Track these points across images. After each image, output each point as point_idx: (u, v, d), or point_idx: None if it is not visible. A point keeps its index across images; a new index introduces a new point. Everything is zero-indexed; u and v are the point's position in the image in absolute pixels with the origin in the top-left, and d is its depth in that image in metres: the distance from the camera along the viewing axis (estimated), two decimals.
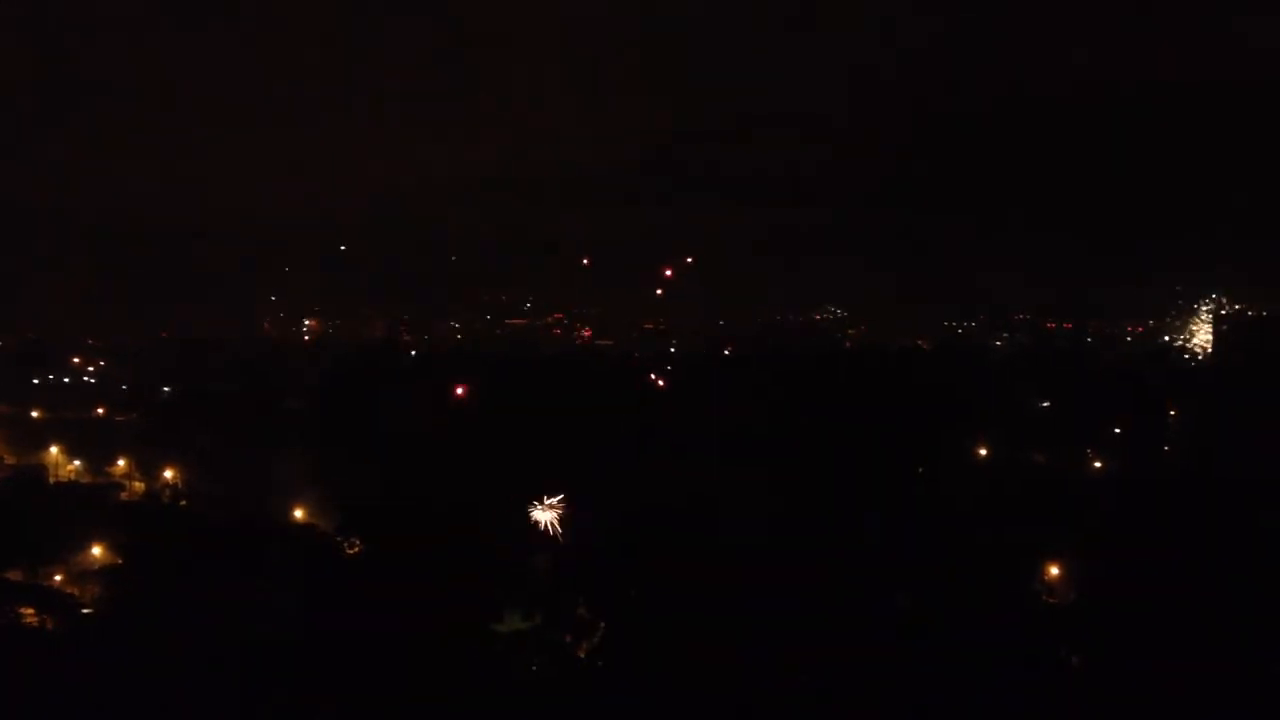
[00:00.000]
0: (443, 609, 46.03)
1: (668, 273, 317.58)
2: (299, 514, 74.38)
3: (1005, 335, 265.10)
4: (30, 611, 50.82)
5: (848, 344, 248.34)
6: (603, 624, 50.86)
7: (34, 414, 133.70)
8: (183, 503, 78.51)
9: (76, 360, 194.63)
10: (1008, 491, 76.81)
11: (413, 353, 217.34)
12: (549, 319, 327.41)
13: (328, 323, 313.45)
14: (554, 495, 68.18)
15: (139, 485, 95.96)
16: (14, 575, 56.34)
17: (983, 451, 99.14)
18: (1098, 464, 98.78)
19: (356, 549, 55.13)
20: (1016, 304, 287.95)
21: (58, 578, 61.69)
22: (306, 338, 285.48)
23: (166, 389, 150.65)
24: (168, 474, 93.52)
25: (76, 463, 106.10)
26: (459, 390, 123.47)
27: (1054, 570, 60.14)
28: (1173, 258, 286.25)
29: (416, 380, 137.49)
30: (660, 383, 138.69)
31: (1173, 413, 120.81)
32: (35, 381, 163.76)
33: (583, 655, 49.12)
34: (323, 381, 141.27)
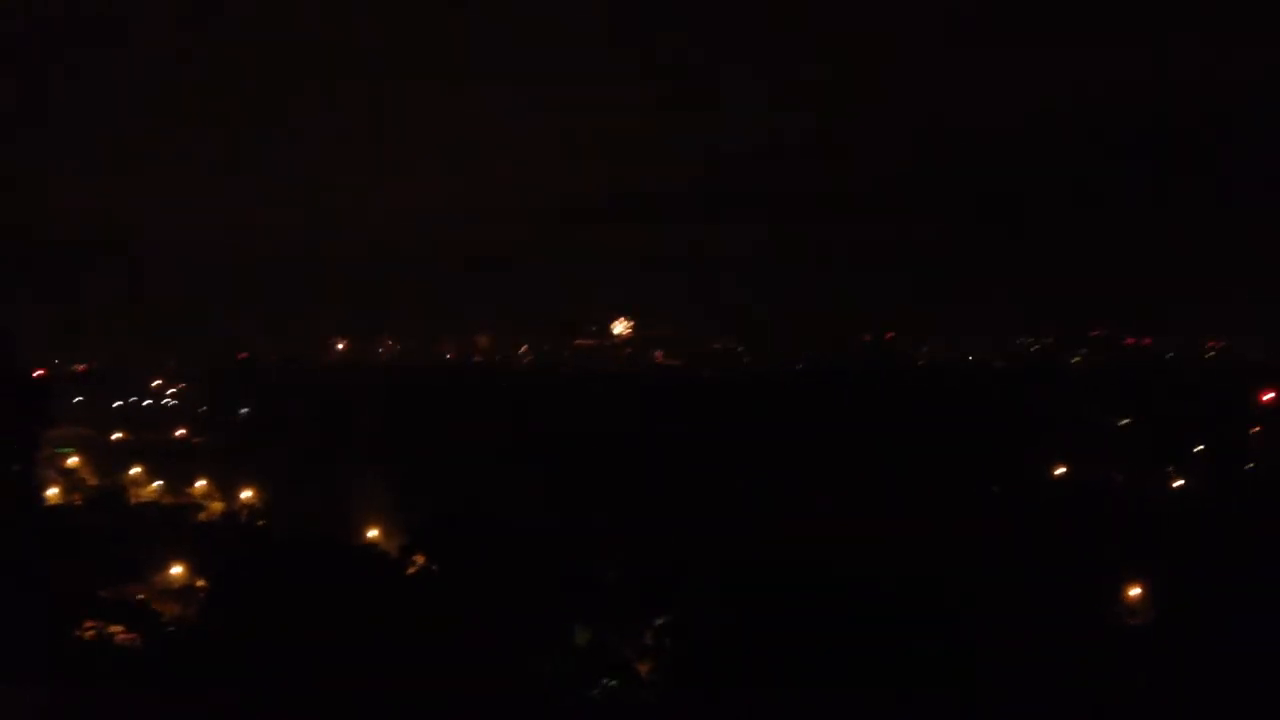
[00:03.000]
0: (511, 625, 46.23)
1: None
2: (373, 533, 75.18)
3: (1082, 352, 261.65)
4: (120, 629, 51.72)
5: (920, 362, 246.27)
6: (670, 643, 50.73)
7: (115, 436, 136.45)
8: (260, 523, 79.62)
9: (157, 383, 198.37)
10: (1085, 510, 75.78)
11: (483, 373, 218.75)
12: (619, 339, 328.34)
13: (400, 344, 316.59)
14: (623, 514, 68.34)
15: (217, 505, 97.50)
16: (100, 593, 57.34)
17: (1059, 470, 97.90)
18: (1178, 482, 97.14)
19: (426, 567, 55.50)
20: (1093, 320, 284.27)
21: (140, 596, 62.80)
22: (379, 359, 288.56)
23: (244, 410, 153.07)
24: (245, 494, 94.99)
25: (157, 483, 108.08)
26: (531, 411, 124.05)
27: (1134, 591, 59.23)
28: (1253, 270, 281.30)
29: (489, 400, 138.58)
30: (730, 400, 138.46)
31: (1256, 429, 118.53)
32: (116, 404, 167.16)
33: (648, 674, 49.04)
34: (396, 402, 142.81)
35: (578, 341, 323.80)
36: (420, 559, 56.40)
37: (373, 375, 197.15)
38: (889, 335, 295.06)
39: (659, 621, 51.78)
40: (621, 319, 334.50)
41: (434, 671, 42.36)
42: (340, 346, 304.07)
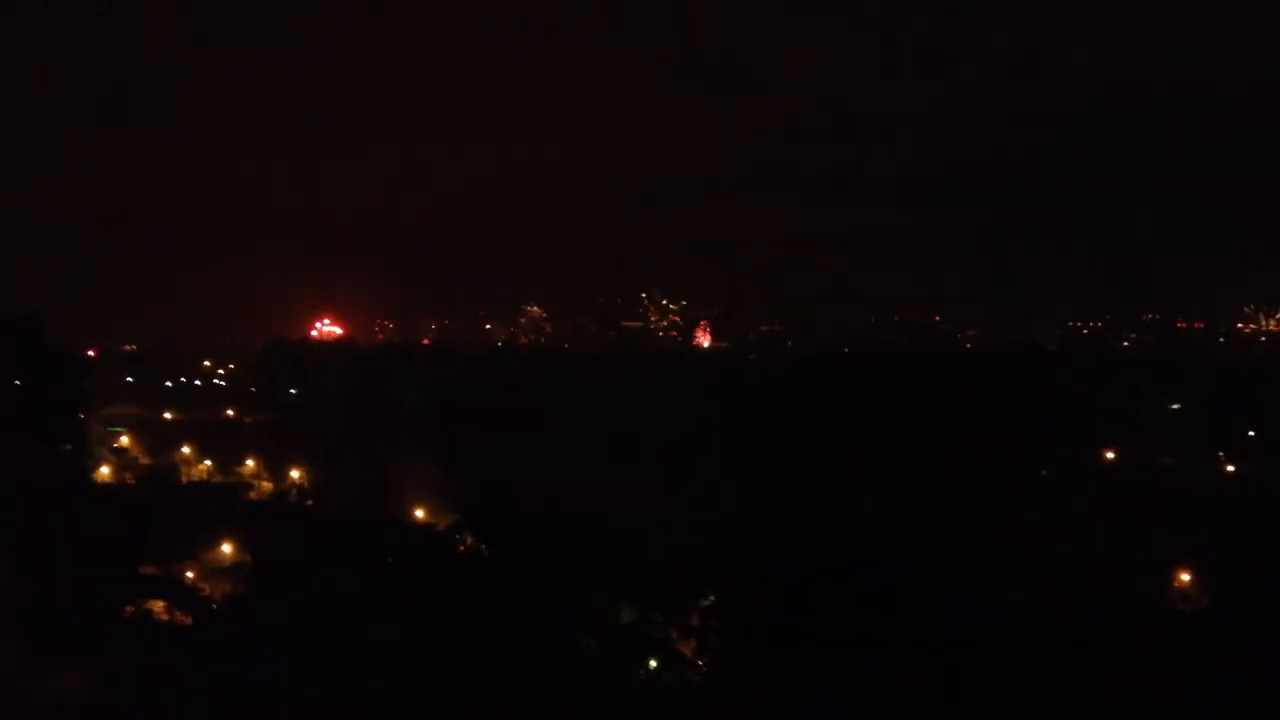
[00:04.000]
0: (557, 604, 46.33)
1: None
2: (420, 513, 75.60)
3: (1133, 335, 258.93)
4: (162, 606, 52.32)
5: (968, 345, 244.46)
6: (715, 625, 50.68)
7: (166, 416, 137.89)
8: (309, 502, 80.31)
9: (207, 363, 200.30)
10: (1136, 495, 74.93)
11: (529, 353, 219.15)
12: (664, 321, 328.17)
13: (445, 325, 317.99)
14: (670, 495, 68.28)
15: (267, 485, 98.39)
16: (149, 570, 58.03)
17: (1110, 454, 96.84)
18: (1230, 467, 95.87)
19: (474, 546, 55.69)
20: (1145, 303, 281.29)
21: (189, 574, 63.53)
22: (426, 340, 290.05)
23: (293, 391, 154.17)
24: (294, 474, 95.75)
25: (207, 462, 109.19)
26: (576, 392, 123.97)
27: (1185, 576, 58.58)
28: None
29: (533, 381, 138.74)
30: (776, 383, 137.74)
31: None
32: (168, 384, 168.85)
33: (692, 655, 49.06)
34: (442, 383, 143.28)
35: (624, 323, 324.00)
36: (469, 538, 56.64)
37: (419, 355, 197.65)
38: (936, 318, 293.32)
39: (704, 603, 51.80)
40: (667, 301, 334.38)
41: (480, 650, 42.56)
42: (389, 326, 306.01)
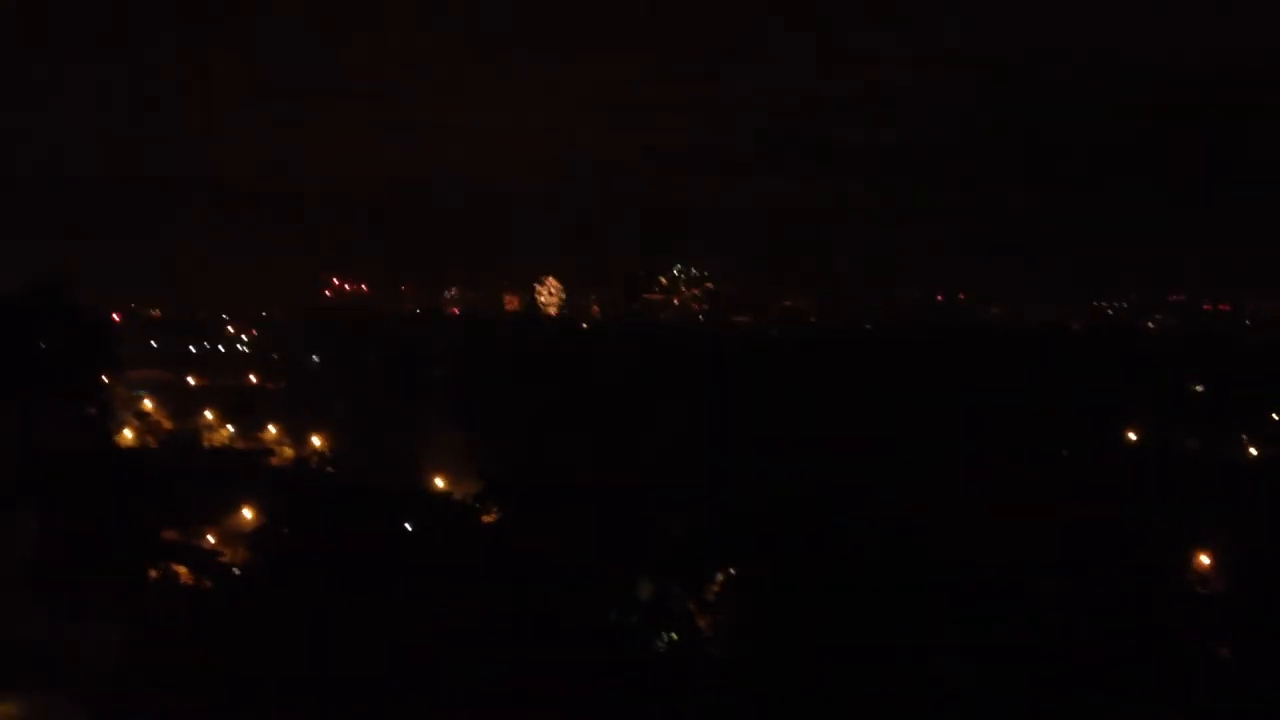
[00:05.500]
0: (579, 577, 46.41)
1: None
2: (440, 482, 75.79)
3: (1158, 316, 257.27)
4: (185, 570, 52.61)
5: (992, 323, 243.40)
6: (733, 598, 50.65)
7: (190, 381, 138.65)
8: (330, 469, 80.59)
9: (231, 329, 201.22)
10: (1157, 476, 74.60)
11: (552, 324, 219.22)
12: (687, 294, 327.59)
13: (469, 293, 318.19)
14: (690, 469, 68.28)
15: (288, 451, 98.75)
16: (170, 534, 58.35)
17: (1132, 436, 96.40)
18: (1253, 450, 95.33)
19: (494, 517, 55.82)
20: (1172, 284, 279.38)
21: (210, 539, 63.84)
22: (450, 308, 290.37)
23: (316, 358, 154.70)
24: (316, 441, 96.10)
25: (229, 428, 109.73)
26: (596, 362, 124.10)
27: (1204, 559, 58.34)
28: None
29: (557, 351, 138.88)
30: (799, 358, 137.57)
31: None
32: (192, 350, 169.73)
33: (711, 630, 49.04)
34: (465, 351, 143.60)
35: (647, 295, 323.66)
36: (491, 508, 56.75)
37: (441, 324, 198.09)
38: (961, 295, 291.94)
39: (722, 577, 51.80)
40: (691, 273, 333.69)
41: (500, 620, 42.70)
42: (411, 292, 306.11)
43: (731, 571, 52.29)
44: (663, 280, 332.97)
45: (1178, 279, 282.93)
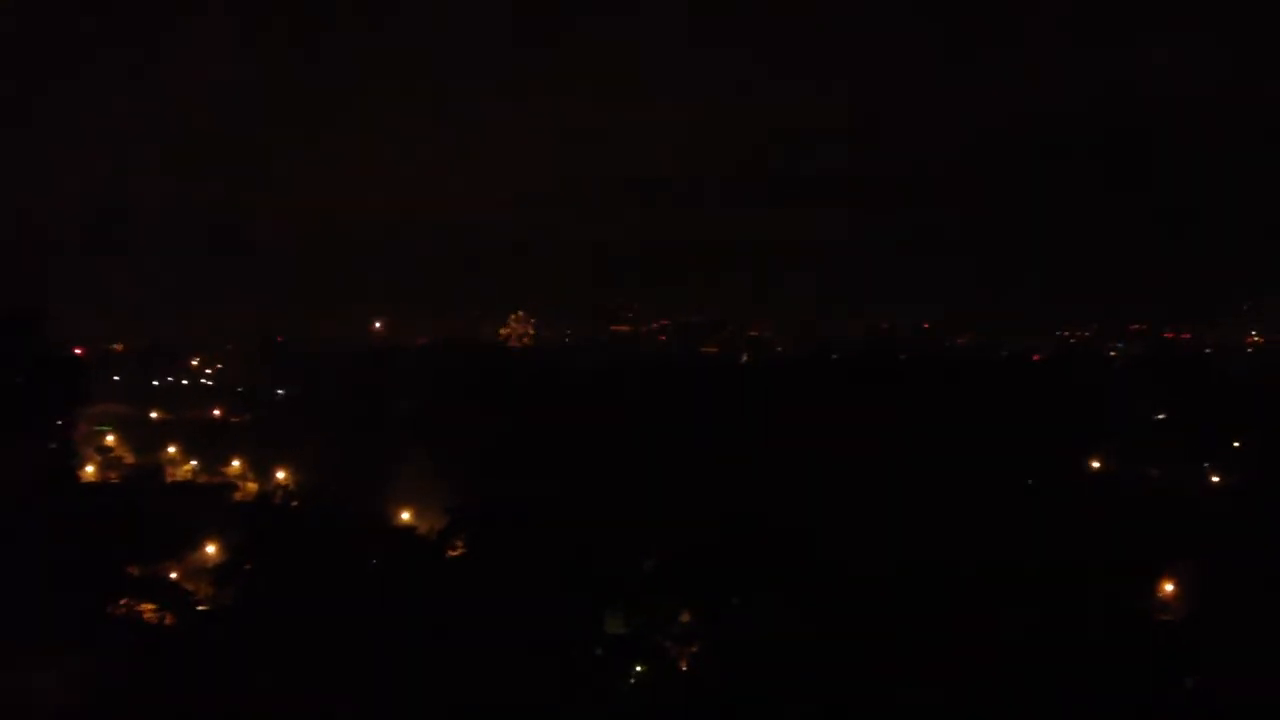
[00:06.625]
0: (545, 612, 46.28)
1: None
2: (406, 516, 75.46)
3: (1120, 345, 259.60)
4: (151, 607, 52.17)
5: (957, 352, 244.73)
6: (706, 631, 50.68)
7: (153, 414, 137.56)
8: (294, 503, 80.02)
9: (195, 362, 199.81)
10: (1121, 505, 75.11)
11: (520, 356, 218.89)
12: (654, 325, 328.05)
13: (437, 325, 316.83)
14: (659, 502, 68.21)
15: (252, 485, 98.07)
16: (134, 570, 57.86)
17: (1095, 464, 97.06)
18: (1215, 479, 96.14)
19: (460, 551, 55.70)
20: (1133, 312, 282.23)
21: (173, 574, 63.34)
22: (416, 341, 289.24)
23: (281, 391, 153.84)
24: (280, 475, 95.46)
25: (193, 462, 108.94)
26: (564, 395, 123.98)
27: (1168, 587, 58.77)
28: None
29: (525, 384, 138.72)
30: (762, 389, 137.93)
31: None
32: (155, 383, 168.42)
33: (684, 664, 49.02)
34: (432, 384, 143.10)
35: (614, 326, 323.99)
36: (457, 543, 56.63)
37: (409, 357, 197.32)
38: (925, 325, 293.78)
39: (691, 610, 51.83)
40: (659, 304, 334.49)
41: (467, 656, 42.52)
42: (378, 326, 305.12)
43: (701, 602, 52.38)
44: (630, 311, 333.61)
45: (1140, 308, 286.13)
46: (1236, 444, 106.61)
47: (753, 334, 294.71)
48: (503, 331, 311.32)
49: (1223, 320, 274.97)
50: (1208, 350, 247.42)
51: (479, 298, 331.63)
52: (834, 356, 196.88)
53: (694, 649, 49.93)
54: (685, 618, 51.72)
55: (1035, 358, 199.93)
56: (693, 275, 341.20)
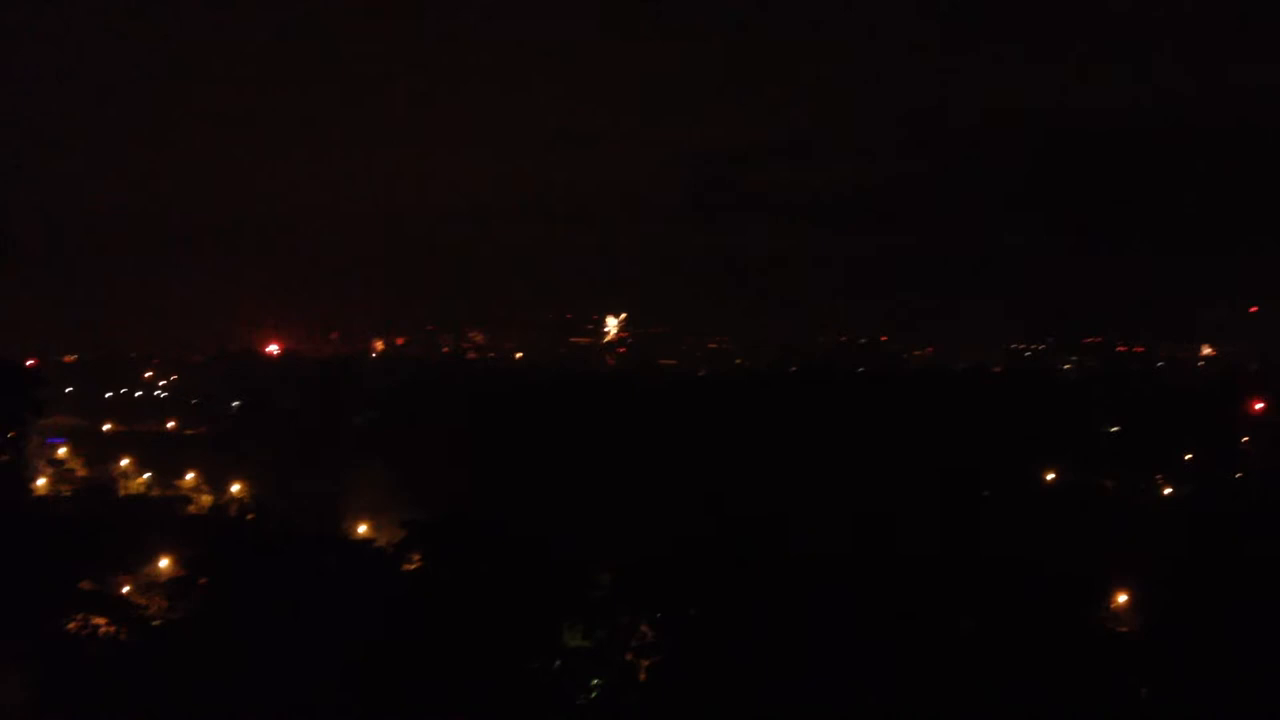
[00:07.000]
0: (503, 625, 46.09)
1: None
2: (363, 529, 75.05)
3: (1074, 358, 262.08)
4: (104, 621, 51.51)
5: (914, 365, 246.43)
6: (665, 642, 50.58)
7: (106, 427, 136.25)
8: (249, 516, 79.40)
9: (148, 374, 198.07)
10: (1075, 516, 75.80)
11: (477, 369, 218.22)
12: (614, 337, 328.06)
13: (394, 338, 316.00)
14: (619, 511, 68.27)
15: (207, 499, 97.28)
16: (86, 585, 57.15)
17: (1050, 476, 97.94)
18: (1168, 490, 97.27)
19: (417, 565, 55.35)
20: (1087, 327, 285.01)
21: (126, 589, 62.59)
22: (374, 353, 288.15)
23: (236, 403, 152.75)
24: (235, 488, 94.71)
25: (146, 475, 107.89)
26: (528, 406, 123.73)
27: (1121, 598, 59.25)
28: (1247, 279, 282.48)
29: (481, 397, 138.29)
30: (725, 400, 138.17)
31: (1246, 438, 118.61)
32: (108, 395, 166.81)
33: (645, 675, 48.91)
34: (389, 397, 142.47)
35: (572, 339, 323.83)
36: (413, 557, 56.22)
37: (366, 370, 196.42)
38: (883, 338, 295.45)
39: (651, 622, 51.72)
40: (616, 317, 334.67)
41: (424, 670, 42.29)
42: (334, 337, 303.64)
43: (659, 614, 52.31)
44: (589, 324, 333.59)
45: (1094, 322, 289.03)
46: (1188, 456, 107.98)
47: (711, 346, 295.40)
48: (464, 345, 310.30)
49: (1176, 334, 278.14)
50: (1160, 364, 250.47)
51: (437, 309, 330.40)
52: (793, 369, 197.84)
53: (653, 661, 49.85)
54: (645, 630, 51.64)
55: (995, 370, 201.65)
56: (652, 289, 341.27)
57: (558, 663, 47.52)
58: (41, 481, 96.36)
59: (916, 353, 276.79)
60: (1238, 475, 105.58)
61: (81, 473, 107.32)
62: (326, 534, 63.49)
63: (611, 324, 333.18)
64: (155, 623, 51.73)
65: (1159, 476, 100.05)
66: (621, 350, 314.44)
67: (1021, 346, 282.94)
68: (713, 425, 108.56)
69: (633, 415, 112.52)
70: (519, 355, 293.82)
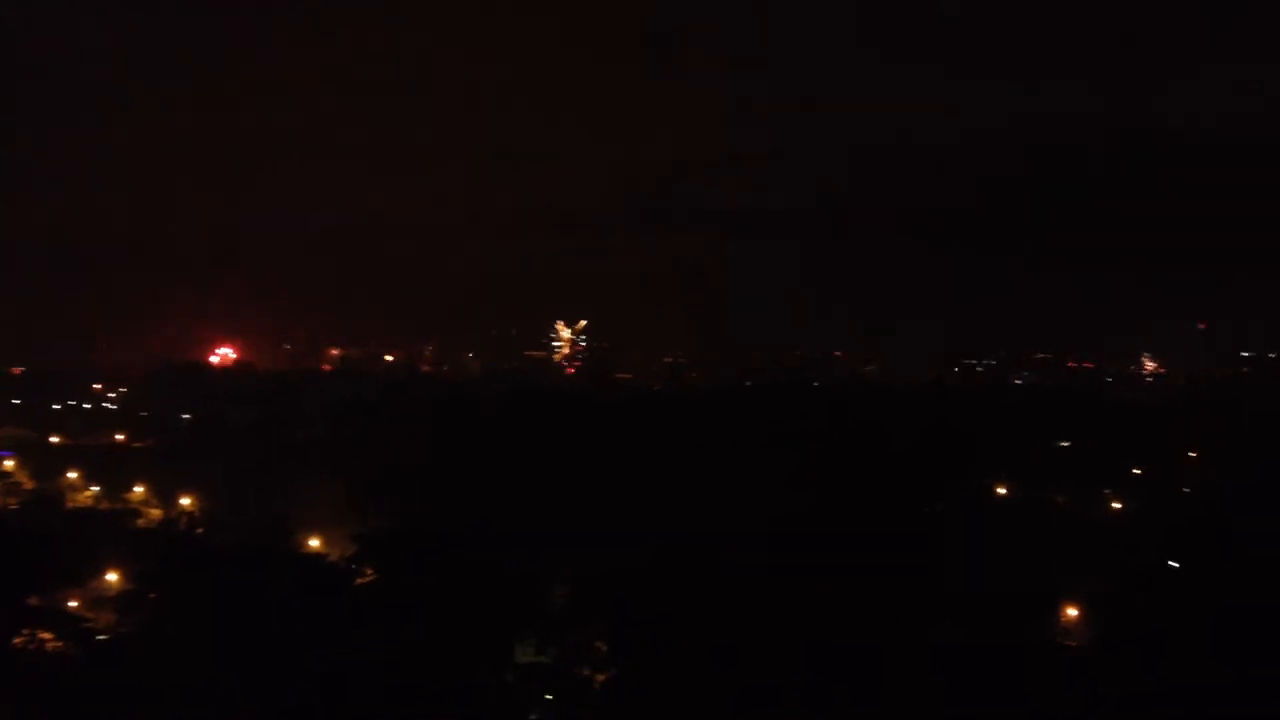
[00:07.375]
0: (455, 640, 45.96)
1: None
2: (315, 543, 74.51)
3: (1024, 374, 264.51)
4: (50, 636, 50.89)
5: (866, 380, 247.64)
6: (620, 657, 50.57)
7: (53, 439, 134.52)
8: (199, 530, 78.67)
9: (97, 386, 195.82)
10: (1025, 531, 76.35)
11: (430, 383, 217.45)
12: (568, 351, 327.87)
13: (347, 351, 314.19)
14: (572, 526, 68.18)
15: (156, 512, 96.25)
16: (33, 600, 56.45)
17: (1000, 491, 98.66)
18: (1116, 505, 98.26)
19: (369, 579, 55.06)
20: (1036, 342, 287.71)
21: (73, 603, 61.84)
22: (326, 366, 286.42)
23: (185, 416, 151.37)
24: (184, 501, 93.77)
25: (94, 488, 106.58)
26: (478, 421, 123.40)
27: (1071, 612, 59.74)
28: (1195, 296, 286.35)
29: (434, 410, 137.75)
30: (679, 414, 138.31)
31: (1192, 454, 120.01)
32: (55, 407, 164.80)
33: (599, 689, 48.87)
34: (341, 410, 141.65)
35: (527, 352, 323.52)
36: (365, 570, 55.92)
37: (317, 382, 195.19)
38: (836, 354, 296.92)
39: (602, 637, 51.70)
40: (572, 330, 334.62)
41: (374, 684, 42.06)
42: (286, 349, 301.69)
43: (613, 628, 52.29)
44: (543, 339, 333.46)
45: (1043, 338, 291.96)
46: (1136, 470, 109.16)
47: (667, 360, 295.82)
48: (417, 358, 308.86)
49: (1124, 350, 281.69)
50: (1109, 379, 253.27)
51: (388, 324, 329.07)
52: (748, 384, 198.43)
53: (606, 675, 49.83)
54: (599, 644, 51.62)
55: (946, 384, 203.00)
56: (607, 304, 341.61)
57: (509, 677, 47.44)
58: None
59: (868, 368, 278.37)
60: (1184, 490, 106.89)
61: (29, 485, 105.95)
62: (278, 548, 62.95)
63: (566, 334, 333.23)
64: (103, 637, 51.21)
65: (1107, 491, 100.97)
66: (578, 363, 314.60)
67: (972, 361, 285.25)
68: (666, 440, 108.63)
69: (585, 430, 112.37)
70: (473, 368, 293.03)
